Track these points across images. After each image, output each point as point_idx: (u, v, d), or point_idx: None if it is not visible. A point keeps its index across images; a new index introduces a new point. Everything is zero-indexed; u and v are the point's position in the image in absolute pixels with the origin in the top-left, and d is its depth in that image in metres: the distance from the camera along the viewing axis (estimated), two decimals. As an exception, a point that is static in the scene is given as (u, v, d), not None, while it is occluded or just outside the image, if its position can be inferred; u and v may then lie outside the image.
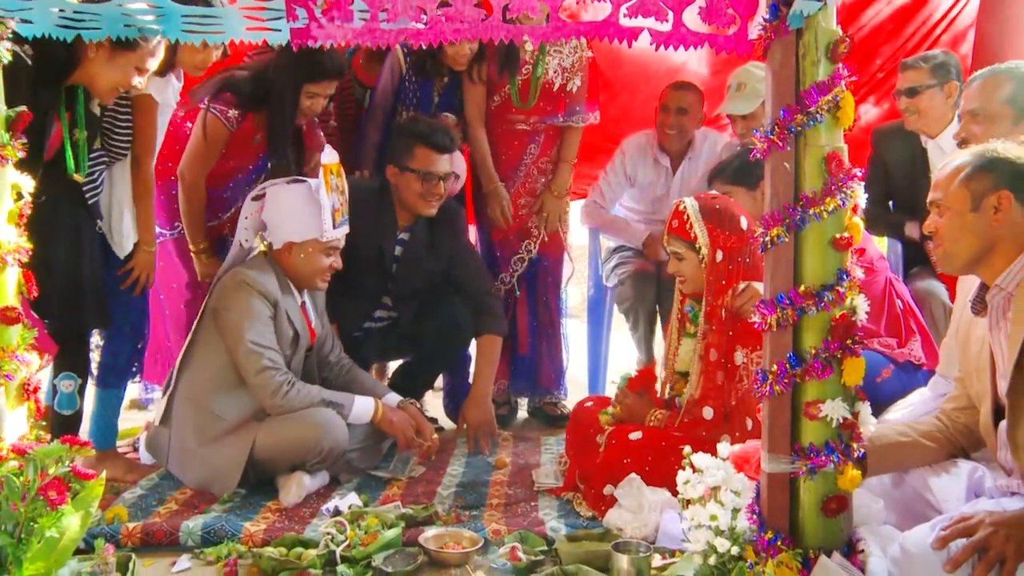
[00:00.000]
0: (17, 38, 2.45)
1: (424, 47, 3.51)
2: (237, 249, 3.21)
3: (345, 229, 3.22)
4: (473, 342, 3.79)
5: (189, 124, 3.51)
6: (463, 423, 3.57)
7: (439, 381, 4.02)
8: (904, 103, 3.63)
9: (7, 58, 2.02)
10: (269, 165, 3.53)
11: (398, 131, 3.60)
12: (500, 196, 3.87)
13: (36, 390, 2.09)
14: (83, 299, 2.97)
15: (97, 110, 2.96)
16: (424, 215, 3.55)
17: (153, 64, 2.84)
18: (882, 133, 3.89)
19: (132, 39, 2.59)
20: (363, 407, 3.12)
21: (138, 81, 2.80)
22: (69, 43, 2.53)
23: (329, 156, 3.12)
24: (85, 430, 3.23)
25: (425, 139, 3.46)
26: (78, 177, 2.91)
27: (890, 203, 3.88)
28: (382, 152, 3.76)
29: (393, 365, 4.07)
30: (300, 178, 3.14)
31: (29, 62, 2.58)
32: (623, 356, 4.28)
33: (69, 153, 2.86)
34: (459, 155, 3.72)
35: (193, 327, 3.19)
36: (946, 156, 3.51)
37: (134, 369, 3.34)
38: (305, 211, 3.08)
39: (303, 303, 3.23)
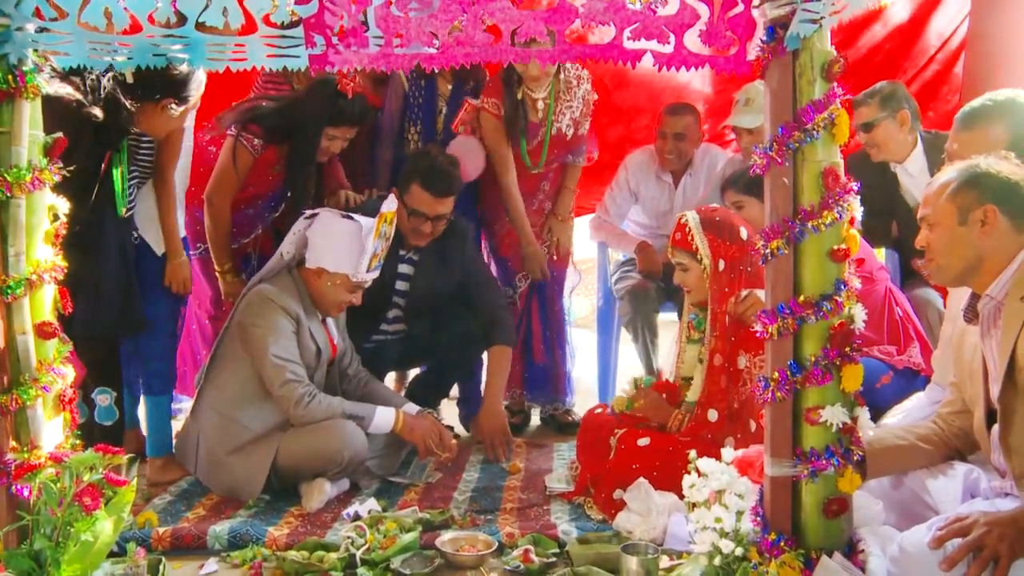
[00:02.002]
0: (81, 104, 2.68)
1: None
2: (277, 259, 3.23)
3: (375, 274, 3.24)
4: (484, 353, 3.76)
5: (213, 149, 3.54)
6: (477, 433, 3.56)
7: (454, 390, 4.04)
8: (863, 138, 3.63)
9: (45, 88, 2.06)
10: (289, 195, 3.55)
11: (409, 159, 3.57)
12: (538, 257, 3.89)
13: (71, 401, 2.12)
14: (128, 307, 3.08)
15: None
16: (412, 244, 3.55)
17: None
18: (854, 159, 3.87)
19: (192, 97, 2.94)
20: (384, 417, 3.13)
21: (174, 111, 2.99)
22: (138, 105, 2.84)
23: (389, 205, 3.15)
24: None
25: (422, 178, 3.42)
26: (124, 214, 3.03)
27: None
28: (395, 172, 3.78)
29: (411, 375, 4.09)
30: (354, 216, 3.15)
31: (100, 115, 2.76)
32: (632, 364, 4.29)
33: (119, 196, 3.00)
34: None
35: (218, 340, 3.23)
36: (914, 178, 3.53)
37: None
38: (348, 247, 3.10)
39: (324, 319, 3.26)
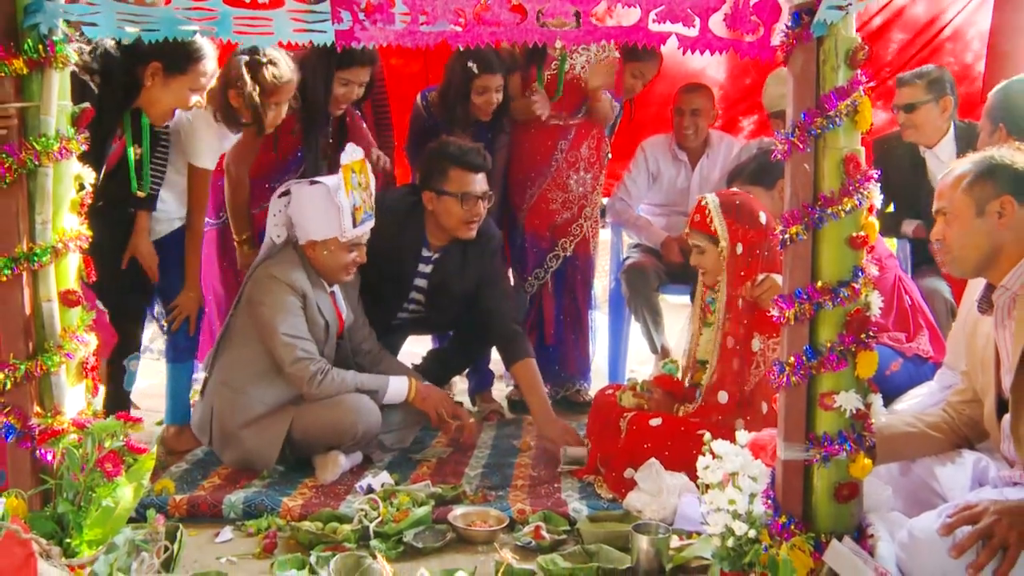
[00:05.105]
0: (86, 69, 2.60)
1: (452, 99, 3.59)
2: (269, 244, 3.20)
3: (369, 224, 3.17)
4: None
5: None
6: (544, 442, 3.29)
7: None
8: (902, 118, 3.65)
9: (75, 58, 2.04)
10: (304, 154, 3.51)
11: (430, 156, 3.43)
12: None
13: (94, 368, 2.12)
14: (141, 286, 3.13)
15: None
16: (464, 238, 3.40)
17: (206, 82, 2.91)
18: (882, 142, 3.89)
19: (183, 64, 2.78)
20: (397, 387, 3.13)
21: (195, 99, 2.89)
22: (129, 73, 2.73)
23: (350, 154, 3.06)
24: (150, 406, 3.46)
25: (459, 160, 3.32)
26: (140, 193, 3.00)
27: (891, 206, 3.90)
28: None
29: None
30: (319, 180, 3.09)
31: (96, 90, 2.68)
32: (642, 346, 4.29)
33: (133, 172, 2.96)
34: None
35: (228, 317, 3.21)
36: (942, 163, 3.54)
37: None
38: (325, 212, 3.04)
39: (332, 292, 3.23)
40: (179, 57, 2.81)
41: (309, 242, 3.11)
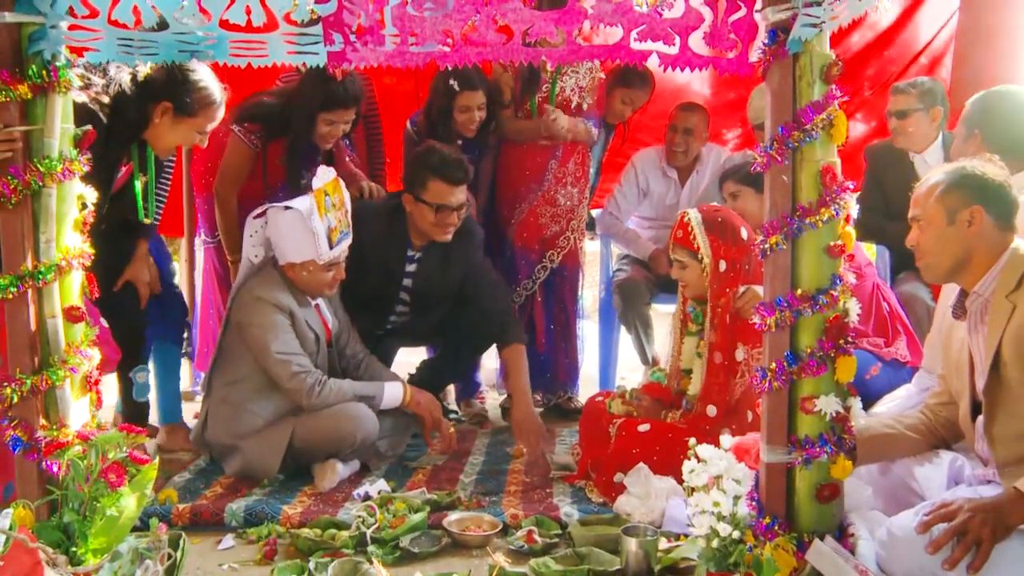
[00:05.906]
0: (97, 101, 2.69)
1: (435, 117, 3.64)
2: (248, 264, 3.21)
3: (346, 242, 3.16)
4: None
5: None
6: (516, 436, 3.35)
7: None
8: (894, 124, 3.72)
9: (77, 83, 2.08)
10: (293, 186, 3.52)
11: (414, 161, 3.46)
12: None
13: (97, 382, 2.14)
14: (139, 302, 3.18)
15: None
16: (439, 240, 3.43)
17: (211, 126, 2.97)
18: (874, 149, 3.95)
19: (192, 108, 2.87)
20: (393, 392, 3.16)
21: (199, 139, 2.95)
22: (140, 109, 2.82)
23: (322, 177, 3.05)
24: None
25: (438, 172, 3.32)
26: (147, 220, 3.05)
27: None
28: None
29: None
30: (292, 205, 3.07)
31: (105, 120, 2.75)
32: (631, 354, 4.32)
33: (140, 202, 3.01)
34: None
35: (219, 336, 3.21)
36: (930, 168, 3.62)
37: (183, 350, 3.54)
38: (301, 236, 3.03)
39: (316, 304, 3.23)
40: (190, 100, 2.87)
41: (288, 263, 3.11)
